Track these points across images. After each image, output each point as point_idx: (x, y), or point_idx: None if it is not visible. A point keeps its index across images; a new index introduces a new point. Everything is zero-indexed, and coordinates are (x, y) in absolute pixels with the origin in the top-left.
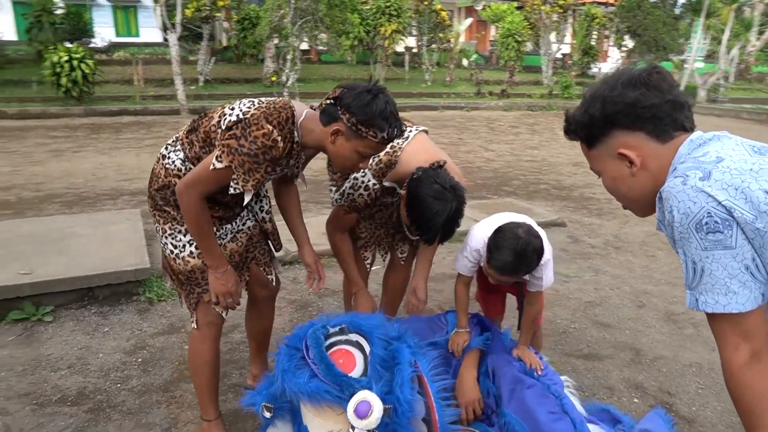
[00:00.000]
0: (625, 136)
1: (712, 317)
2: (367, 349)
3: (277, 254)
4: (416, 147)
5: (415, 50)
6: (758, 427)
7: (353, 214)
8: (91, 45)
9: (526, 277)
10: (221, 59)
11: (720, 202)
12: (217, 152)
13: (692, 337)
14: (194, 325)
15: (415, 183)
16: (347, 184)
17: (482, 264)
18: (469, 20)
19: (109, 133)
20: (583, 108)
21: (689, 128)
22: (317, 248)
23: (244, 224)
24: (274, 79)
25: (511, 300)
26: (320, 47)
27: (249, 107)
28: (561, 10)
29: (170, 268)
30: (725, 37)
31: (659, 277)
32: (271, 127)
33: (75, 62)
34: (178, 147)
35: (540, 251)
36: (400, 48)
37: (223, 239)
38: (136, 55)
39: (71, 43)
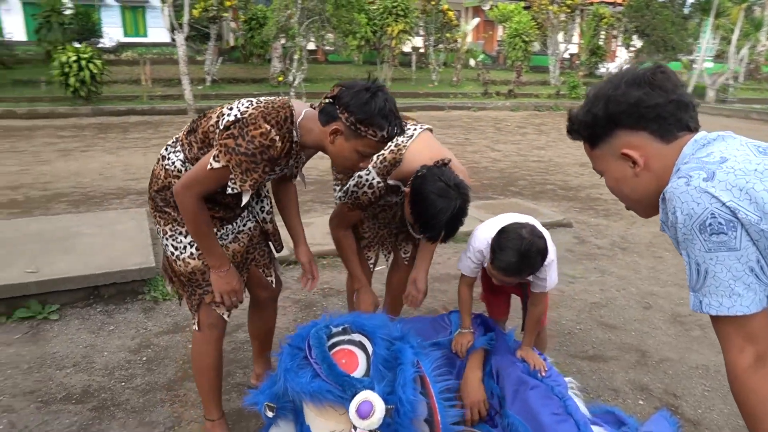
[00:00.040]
0: (629, 136)
1: (716, 320)
2: (370, 349)
3: (281, 254)
4: (421, 145)
5: (422, 50)
6: (762, 430)
7: (357, 212)
8: (100, 45)
9: (530, 277)
10: (228, 59)
11: (724, 203)
12: (214, 152)
13: (699, 339)
14: (196, 327)
15: (419, 180)
16: (351, 182)
17: (486, 265)
18: (476, 20)
19: (116, 132)
20: (586, 107)
21: (694, 128)
22: (322, 248)
23: (245, 225)
24: (281, 79)
25: (515, 301)
26: (327, 47)
27: (247, 107)
28: (569, 10)
29: (171, 269)
30: (735, 36)
31: (666, 279)
32: (269, 127)
33: (83, 62)
34: (178, 148)
35: (544, 252)
36: (407, 48)
37: (225, 240)
38: (143, 55)
39: (80, 43)
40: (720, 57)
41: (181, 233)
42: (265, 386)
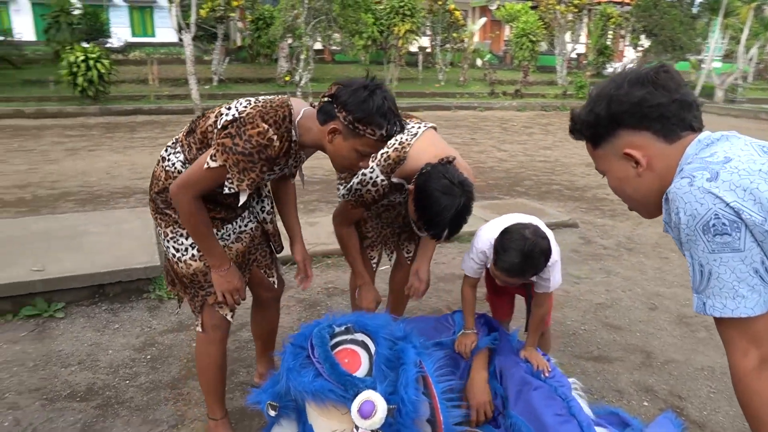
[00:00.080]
0: (631, 136)
1: (720, 322)
2: (373, 348)
3: (283, 254)
4: (425, 143)
5: (428, 50)
6: None
7: (360, 209)
8: (108, 45)
9: (534, 278)
10: (235, 59)
11: (728, 204)
12: (211, 151)
13: (705, 340)
14: (199, 328)
15: (423, 177)
16: (355, 180)
17: (489, 266)
18: (483, 20)
19: (123, 132)
20: (589, 107)
21: (697, 128)
22: (326, 247)
23: (246, 225)
24: (287, 78)
25: (519, 301)
26: (334, 47)
27: (245, 106)
28: (576, 10)
29: (173, 271)
30: (744, 36)
31: (672, 280)
32: (266, 126)
33: (91, 62)
34: (178, 149)
35: (547, 252)
36: (413, 48)
37: (227, 240)
38: (151, 55)
39: (88, 43)
40: (729, 57)
41: (182, 235)
42: (267, 385)
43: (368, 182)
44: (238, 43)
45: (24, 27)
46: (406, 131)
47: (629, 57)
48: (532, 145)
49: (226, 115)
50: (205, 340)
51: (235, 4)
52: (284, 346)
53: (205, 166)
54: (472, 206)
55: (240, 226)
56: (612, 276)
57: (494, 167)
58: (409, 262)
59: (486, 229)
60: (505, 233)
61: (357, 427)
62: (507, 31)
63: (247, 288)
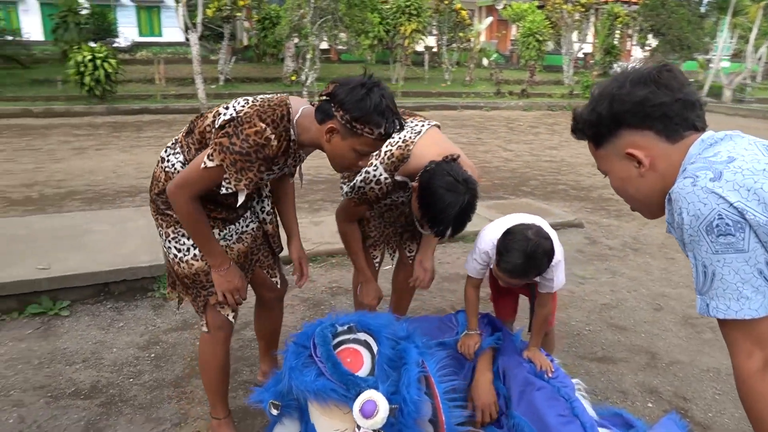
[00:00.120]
0: (634, 136)
1: (723, 323)
2: (375, 348)
3: (286, 254)
4: (429, 141)
5: (435, 50)
6: None
7: (363, 206)
8: (115, 45)
9: (537, 278)
10: (242, 58)
11: (731, 204)
12: (209, 150)
13: (710, 341)
14: (205, 328)
15: (427, 175)
16: (358, 178)
17: (492, 266)
18: (490, 19)
19: (130, 131)
20: (591, 106)
21: (700, 128)
22: (331, 247)
23: (248, 226)
24: (293, 78)
25: (523, 301)
26: (340, 47)
27: (243, 105)
28: (583, 9)
29: (174, 273)
30: (753, 35)
31: (678, 280)
32: (264, 125)
33: (98, 61)
34: (177, 150)
35: (550, 253)
36: (419, 47)
37: (229, 240)
38: (158, 55)
39: (95, 42)
40: (737, 56)
41: (183, 235)
42: (270, 384)
43: (372, 180)
44: (245, 42)
45: (32, 27)
46: (409, 129)
47: (637, 56)
48: (538, 145)
49: (224, 114)
50: (208, 340)
51: (241, 3)
52: (287, 345)
53: (202, 165)
54: (476, 204)
55: (242, 227)
56: (617, 276)
57: (500, 167)
58: (411, 261)
59: (489, 230)
60: (508, 234)
61: (359, 427)
62: (513, 31)
63: (250, 287)
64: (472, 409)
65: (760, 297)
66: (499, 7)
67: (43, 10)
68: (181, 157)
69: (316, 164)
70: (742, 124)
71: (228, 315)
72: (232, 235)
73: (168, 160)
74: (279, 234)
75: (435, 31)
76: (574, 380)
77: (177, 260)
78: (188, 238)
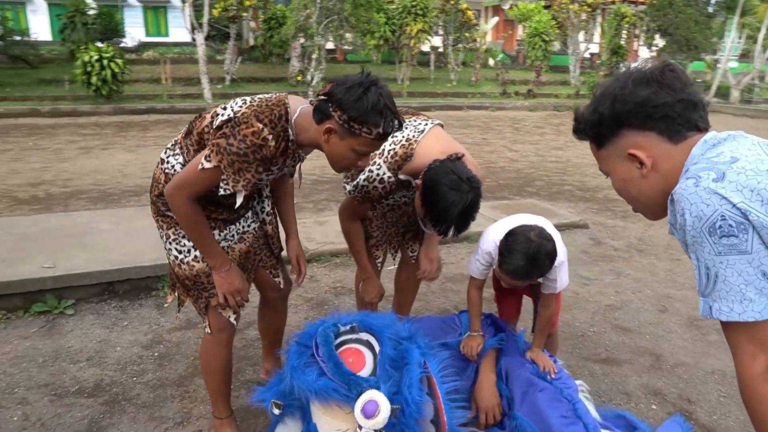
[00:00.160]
0: (636, 136)
1: (726, 326)
2: (377, 348)
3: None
4: (432, 140)
5: (440, 50)
6: None
7: (367, 205)
8: (122, 45)
9: (540, 279)
10: (248, 58)
11: (734, 205)
12: (206, 152)
13: (716, 343)
14: (207, 329)
15: (431, 173)
16: (362, 177)
17: (494, 267)
18: (496, 19)
19: (136, 131)
20: (593, 106)
21: (703, 128)
22: (335, 246)
23: (249, 226)
24: (299, 78)
25: (527, 302)
26: (346, 47)
27: (241, 106)
28: (589, 9)
29: (175, 274)
30: (761, 35)
31: (683, 282)
32: (261, 126)
33: (105, 61)
34: (177, 151)
35: (552, 254)
36: (425, 47)
37: (230, 241)
38: (164, 55)
39: (102, 42)
40: (745, 56)
41: (184, 236)
42: (272, 384)
43: (375, 179)
44: (251, 42)
45: (40, 27)
46: (413, 128)
47: (644, 57)
48: (543, 146)
49: (222, 115)
50: (210, 341)
51: (247, 3)
52: (289, 344)
53: (200, 167)
54: (480, 203)
55: (243, 227)
56: (622, 277)
57: (505, 167)
58: (413, 261)
59: (491, 230)
60: (510, 235)
61: (360, 427)
62: (520, 31)
63: (253, 288)
64: (475, 410)
65: (763, 299)
66: (506, 7)
67: (51, 11)
68: (180, 159)
69: (321, 164)
70: (750, 124)
71: (229, 317)
72: (233, 236)
73: (168, 162)
74: (279, 235)
75: (441, 32)
76: (577, 382)
77: (178, 262)
78: (189, 240)
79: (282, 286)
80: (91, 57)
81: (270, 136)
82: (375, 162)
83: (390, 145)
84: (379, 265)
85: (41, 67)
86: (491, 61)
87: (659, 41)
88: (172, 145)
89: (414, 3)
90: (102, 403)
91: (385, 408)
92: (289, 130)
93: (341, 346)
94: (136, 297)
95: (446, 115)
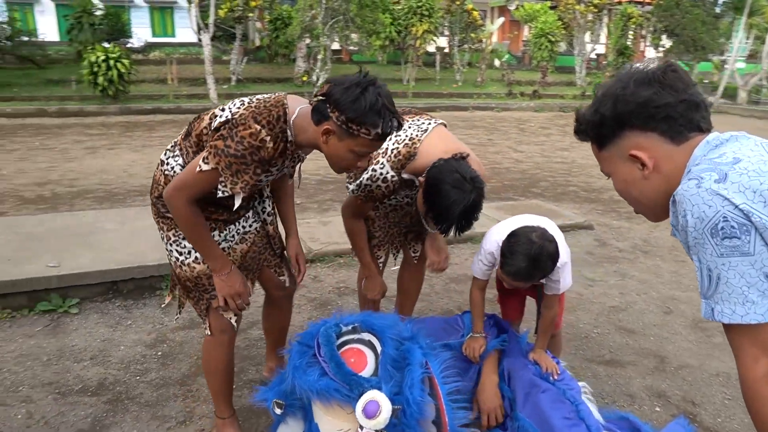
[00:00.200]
0: (637, 137)
1: (729, 328)
2: (379, 348)
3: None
4: (435, 139)
5: (446, 50)
6: None
7: (370, 203)
8: (128, 45)
9: (543, 279)
10: (254, 59)
11: (737, 206)
12: (204, 154)
13: (720, 345)
14: (208, 331)
15: (435, 170)
16: (365, 176)
17: (497, 268)
18: (501, 20)
19: (142, 131)
20: (594, 107)
21: (705, 129)
22: (339, 247)
23: (251, 226)
24: (305, 78)
25: (530, 303)
26: (351, 47)
27: (239, 107)
28: (596, 10)
29: (176, 276)
30: None
31: (688, 283)
32: (258, 127)
33: (111, 62)
34: (177, 152)
35: (554, 256)
36: (431, 48)
37: (231, 241)
38: (170, 55)
39: (109, 43)
40: (753, 57)
41: (184, 237)
42: (274, 383)
43: (378, 178)
44: (257, 43)
45: (48, 28)
46: (416, 127)
47: (650, 57)
48: (549, 146)
49: (220, 116)
50: (212, 343)
51: (253, 4)
52: (291, 344)
53: (198, 169)
54: (483, 204)
55: (244, 227)
56: (627, 279)
57: (510, 168)
58: (415, 262)
59: (495, 231)
60: (512, 236)
61: (362, 427)
62: (526, 32)
63: (258, 287)
64: (477, 412)
65: (766, 301)
66: (512, 7)
67: (58, 11)
68: (180, 160)
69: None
70: (758, 126)
71: (230, 318)
72: (233, 236)
73: (167, 163)
74: (280, 235)
75: (446, 32)
76: (580, 383)
77: (179, 263)
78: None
79: (287, 285)
80: (97, 57)
81: (268, 138)
82: (378, 161)
83: (393, 144)
84: (380, 265)
85: (48, 67)
86: (497, 62)
87: (666, 42)
88: (171, 146)
89: (420, 3)
90: (105, 401)
91: (386, 408)
92: (288, 131)
93: (343, 346)
94: (140, 296)
95: (452, 115)
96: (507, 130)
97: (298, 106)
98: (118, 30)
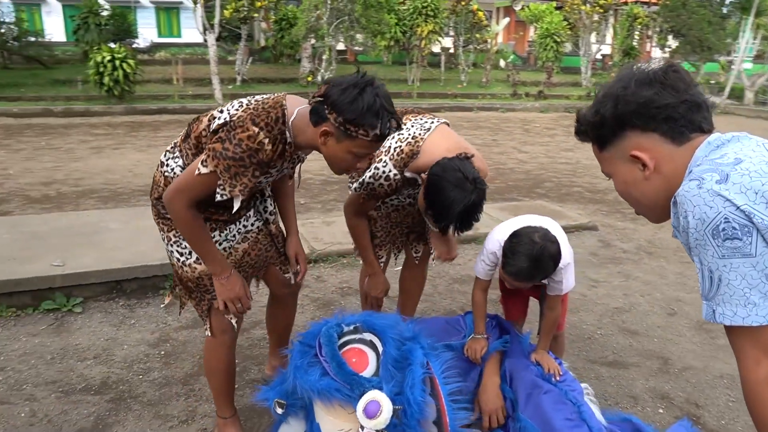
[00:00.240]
0: (638, 138)
1: (730, 330)
2: (380, 348)
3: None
4: (438, 137)
5: (451, 51)
6: None
7: (372, 201)
8: (134, 45)
9: (545, 280)
10: (259, 59)
11: (738, 207)
12: (203, 156)
13: (725, 347)
14: (208, 332)
15: (438, 168)
16: (368, 174)
17: (499, 268)
18: (506, 20)
19: (147, 131)
20: (595, 107)
21: (707, 130)
22: (342, 247)
23: (252, 225)
24: (309, 79)
25: (534, 303)
26: (356, 47)
27: (237, 109)
28: (602, 10)
29: (178, 277)
30: None
31: (693, 285)
32: (257, 129)
33: (117, 62)
34: (177, 154)
35: (556, 257)
36: (436, 48)
37: (232, 241)
38: (176, 55)
39: (115, 43)
40: (760, 57)
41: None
42: (275, 383)
43: (381, 176)
44: (262, 43)
45: (55, 28)
46: (419, 126)
47: (656, 58)
48: (553, 147)
49: (218, 118)
50: (214, 343)
51: (258, 5)
52: (292, 343)
53: (196, 172)
54: (483, 205)
55: (245, 226)
56: (631, 280)
57: (514, 168)
58: (417, 262)
59: (497, 231)
60: (514, 237)
61: (362, 427)
62: (531, 32)
63: (260, 287)
64: (479, 413)
65: None
66: (517, 8)
67: (65, 12)
68: (180, 162)
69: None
70: (765, 126)
71: (231, 319)
72: (235, 235)
73: (167, 165)
74: (283, 233)
75: (452, 33)
76: (582, 385)
77: (180, 264)
78: None
79: (293, 281)
80: (103, 57)
81: (266, 140)
82: (381, 159)
83: (396, 142)
84: (382, 265)
85: (55, 67)
86: (502, 63)
87: (672, 42)
88: (171, 147)
89: (425, 4)
90: (108, 400)
91: (387, 408)
92: (287, 132)
93: (344, 346)
94: (143, 296)
95: (456, 116)
96: (512, 130)
97: (297, 107)
98: (124, 30)
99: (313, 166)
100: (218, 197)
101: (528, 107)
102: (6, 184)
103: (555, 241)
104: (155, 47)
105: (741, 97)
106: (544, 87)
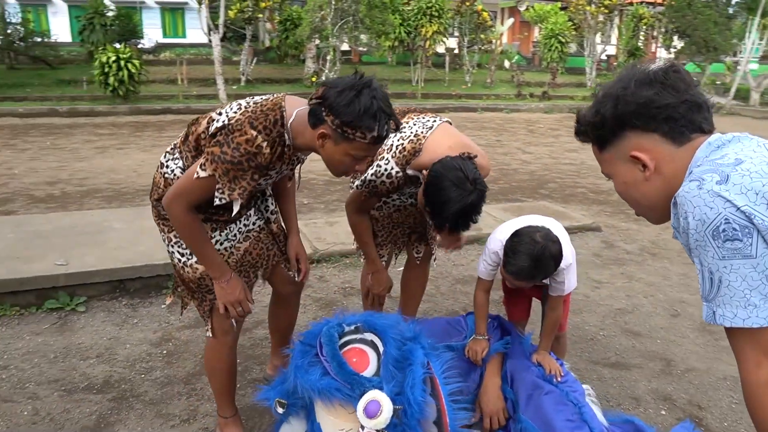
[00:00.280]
0: (639, 138)
1: (730, 332)
2: (381, 348)
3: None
4: (440, 135)
5: (456, 51)
6: None
7: (374, 199)
8: (139, 46)
9: (547, 280)
10: (263, 60)
11: (738, 208)
12: (201, 160)
13: (728, 349)
14: (210, 333)
15: (439, 165)
16: (370, 171)
17: (500, 268)
18: (511, 21)
19: (152, 131)
20: (595, 107)
21: (708, 130)
22: (345, 247)
23: (253, 223)
24: (314, 79)
25: (537, 304)
26: (361, 48)
27: (236, 111)
28: (607, 11)
29: (179, 277)
30: None
31: (696, 286)
32: (255, 133)
33: (122, 62)
34: (177, 155)
35: (557, 257)
36: (440, 49)
37: (233, 240)
38: (181, 56)
39: (120, 44)
40: (766, 58)
41: None
42: (276, 383)
43: (383, 174)
44: (266, 43)
45: (60, 29)
46: (421, 124)
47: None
48: (557, 148)
49: (217, 121)
50: (214, 345)
51: (263, 5)
52: (294, 343)
53: (195, 176)
54: (482, 206)
55: (246, 225)
56: (634, 281)
57: (518, 169)
58: (418, 262)
59: (499, 230)
60: (515, 236)
61: (363, 427)
62: (536, 32)
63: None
64: (480, 414)
65: None
66: (522, 8)
67: (71, 12)
68: (180, 163)
69: None
70: None
71: (231, 319)
72: (236, 235)
73: (167, 166)
74: (284, 233)
75: (456, 33)
76: (584, 386)
77: (181, 265)
78: None
79: (297, 279)
80: (108, 58)
81: (264, 143)
82: (383, 157)
83: (398, 140)
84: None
85: (61, 67)
86: (507, 63)
87: (677, 43)
88: (171, 148)
89: (429, 4)
90: (110, 399)
91: (387, 408)
92: (285, 135)
93: (345, 346)
94: (146, 295)
95: (461, 116)
96: (516, 131)
97: (296, 109)
98: (130, 31)
99: (317, 166)
100: (217, 201)
101: (532, 108)
102: (11, 183)
103: (556, 241)
104: (160, 48)
105: (747, 98)
106: (548, 88)
